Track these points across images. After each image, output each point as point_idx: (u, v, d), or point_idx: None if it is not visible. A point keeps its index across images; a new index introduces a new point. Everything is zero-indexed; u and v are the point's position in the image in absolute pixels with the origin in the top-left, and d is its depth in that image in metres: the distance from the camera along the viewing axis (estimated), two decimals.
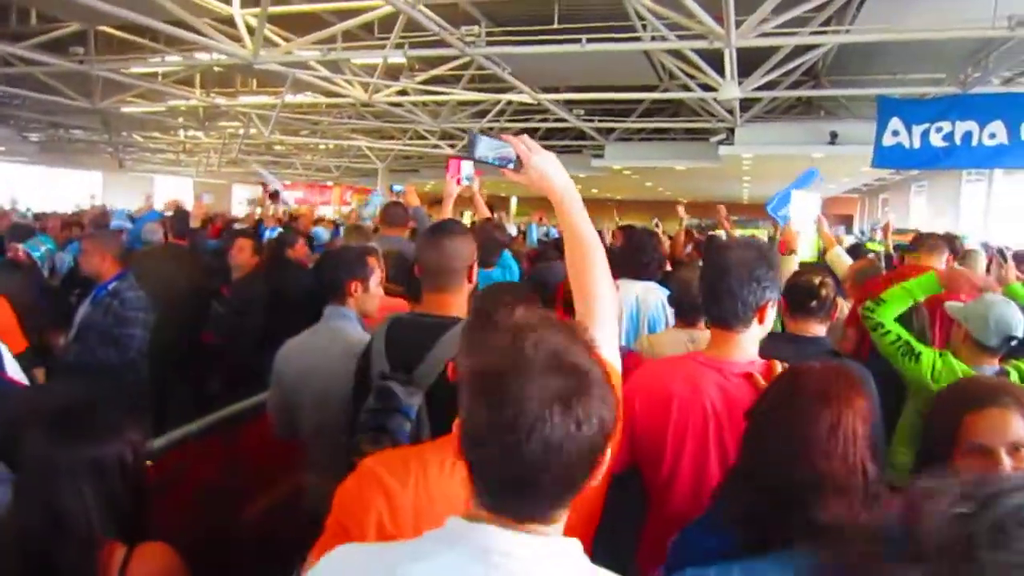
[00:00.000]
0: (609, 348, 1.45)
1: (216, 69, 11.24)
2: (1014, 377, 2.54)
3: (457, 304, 2.11)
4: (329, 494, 1.41)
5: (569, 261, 1.58)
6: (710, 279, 1.92)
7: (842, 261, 4.44)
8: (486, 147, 1.51)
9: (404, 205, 4.82)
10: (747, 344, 1.88)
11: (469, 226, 5.20)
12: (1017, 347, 2.63)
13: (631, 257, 3.81)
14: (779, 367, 1.82)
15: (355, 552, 1.07)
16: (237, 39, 7.36)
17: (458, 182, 3.89)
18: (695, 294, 2.69)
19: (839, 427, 1.31)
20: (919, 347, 2.71)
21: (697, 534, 1.48)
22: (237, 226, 8.58)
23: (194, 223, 7.02)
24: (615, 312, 1.59)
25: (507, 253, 4.37)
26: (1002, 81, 8.66)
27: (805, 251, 4.76)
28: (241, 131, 14.05)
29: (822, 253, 4.75)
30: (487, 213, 4.80)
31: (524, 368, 0.93)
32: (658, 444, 1.85)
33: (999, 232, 11.71)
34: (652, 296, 3.61)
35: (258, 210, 11.25)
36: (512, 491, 0.94)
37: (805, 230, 4.76)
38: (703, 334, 2.64)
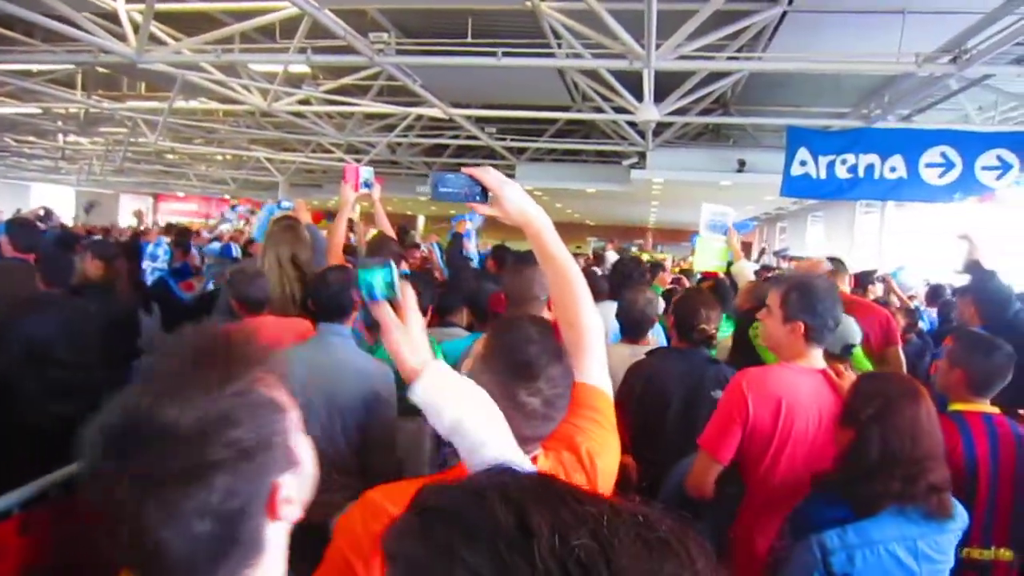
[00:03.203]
0: (599, 374, 1.57)
1: (99, 70, 10.38)
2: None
3: None
4: None
5: (554, 291, 1.60)
6: (831, 312, 2.32)
7: (746, 274, 4.44)
8: (451, 183, 1.48)
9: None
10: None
11: (368, 240, 4.81)
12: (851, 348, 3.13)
13: (621, 282, 4.38)
14: (837, 370, 2.39)
15: None
16: (121, 37, 6.74)
17: (355, 188, 3.66)
18: (639, 313, 3.32)
19: (929, 413, 1.90)
20: None
21: (813, 508, 1.91)
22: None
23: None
24: (602, 338, 1.60)
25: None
26: (899, 118, 8.97)
27: (713, 261, 4.74)
28: (126, 137, 13.01)
29: (729, 264, 4.72)
30: (388, 227, 4.32)
31: None
32: (766, 440, 2.23)
33: (892, 260, 12.20)
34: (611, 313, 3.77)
35: (133, 222, 10.35)
36: None
37: (715, 239, 4.72)
38: (644, 349, 3.22)
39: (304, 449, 0.96)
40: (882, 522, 1.79)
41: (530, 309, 2.28)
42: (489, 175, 1.46)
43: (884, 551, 1.78)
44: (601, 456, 1.47)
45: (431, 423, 1.24)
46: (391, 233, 4.26)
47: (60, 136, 15.70)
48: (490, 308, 3.69)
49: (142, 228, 9.98)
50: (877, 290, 6.77)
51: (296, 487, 0.92)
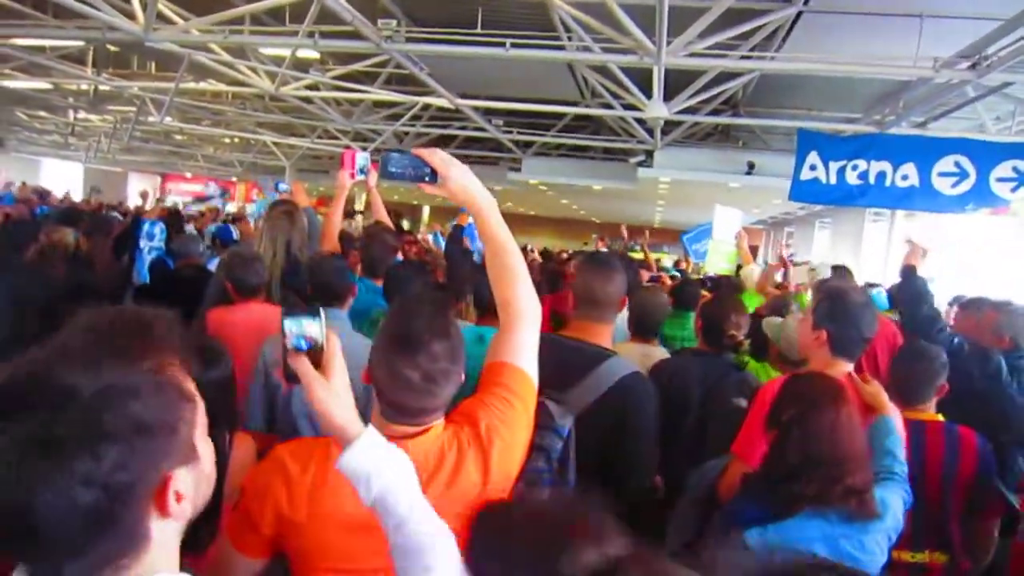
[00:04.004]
0: (527, 356, 1.62)
1: (110, 48, 10.35)
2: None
3: (606, 335, 2.37)
4: None
5: (491, 270, 1.66)
6: (857, 324, 2.34)
7: (754, 278, 4.44)
8: (398, 163, 1.52)
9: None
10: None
11: (362, 230, 4.73)
12: None
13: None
14: (865, 378, 2.38)
15: None
16: (130, 15, 6.71)
17: (352, 175, 3.62)
18: (653, 315, 3.35)
19: (850, 416, 1.89)
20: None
21: (739, 506, 1.97)
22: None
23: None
24: (535, 322, 1.65)
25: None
26: (913, 125, 8.84)
27: (723, 264, 4.67)
28: (134, 115, 12.96)
29: (738, 267, 4.65)
30: (384, 215, 4.21)
31: None
32: None
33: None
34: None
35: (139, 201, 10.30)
36: None
37: (726, 243, 4.65)
38: (655, 350, 3.31)
39: (206, 450, 0.93)
40: (802, 522, 1.81)
41: (605, 313, 2.35)
42: (436, 155, 1.51)
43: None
44: (500, 432, 1.51)
45: (357, 490, 1.19)
46: (387, 221, 4.16)
47: (71, 112, 15.67)
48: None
49: (145, 207, 9.91)
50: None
51: (191, 485, 0.88)
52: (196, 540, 1.92)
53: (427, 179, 1.53)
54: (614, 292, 2.35)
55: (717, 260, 4.70)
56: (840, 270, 4.69)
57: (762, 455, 2.19)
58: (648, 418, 2.29)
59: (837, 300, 2.38)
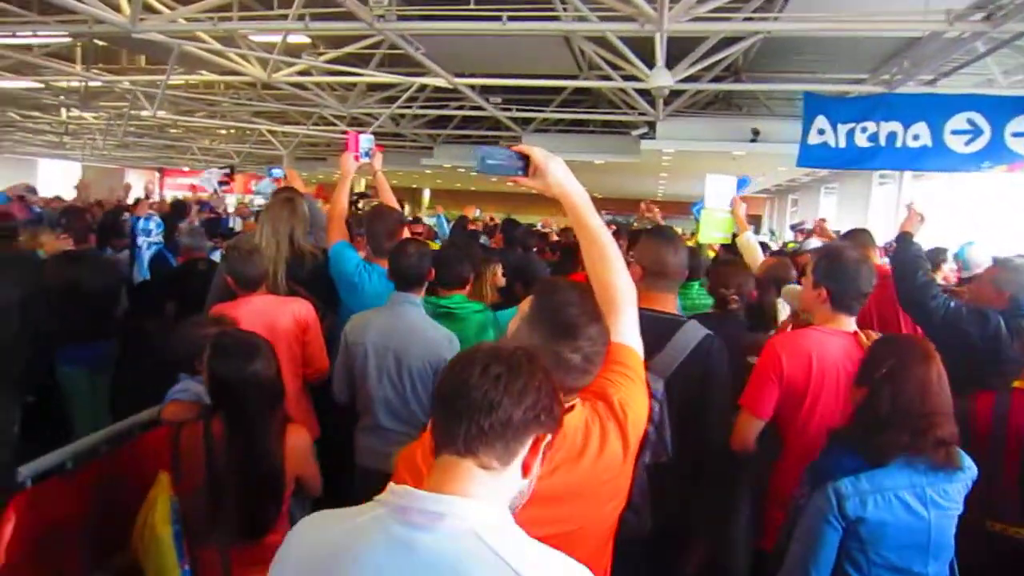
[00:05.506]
0: (632, 333, 1.74)
1: (98, 43, 10.17)
2: None
3: (673, 303, 2.61)
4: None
5: (587, 259, 1.79)
6: (854, 280, 2.50)
7: (751, 246, 4.26)
8: (494, 157, 1.67)
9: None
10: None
11: (368, 211, 4.61)
12: None
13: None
14: (868, 334, 2.51)
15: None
16: (115, 7, 6.58)
17: (356, 158, 3.65)
18: None
19: (939, 374, 2.02)
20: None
21: (830, 459, 2.06)
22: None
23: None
24: (634, 300, 1.78)
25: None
26: (921, 83, 8.61)
27: (716, 233, 4.54)
28: (127, 111, 12.78)
29: (734, 236, 4.52)
30: (391, 197, 4.04)
31: None
32: (800, 394, 2.46)
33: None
34: None
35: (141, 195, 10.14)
36: None
37: (720, 211, 4.50)
38: None
39: None
40: (892, 471, 1.95)
41: (676, 285, 2.61)
42: (536, 151, 1.69)
43: (894, 497, 1.94)
44: (631, 406, 1.62)
45: None
46: (394, 203, 4.00)
47: (63, 111, 15.49)
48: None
49: (128, 202, 9.70)
50: (945, 270, 6.24)
51: None
52: (253, 527, 2.22)
53: (520, 172, 1.68)
54: (681, 263, 2.56)
55: (710, 229, 4.55)
56: (862, 234, 4.53)
57: (771, 406, 2.48)
58: (727, 377, 2.47)
59: (834, 258, 2.56)
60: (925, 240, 4.02)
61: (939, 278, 5.72)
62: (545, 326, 1.53)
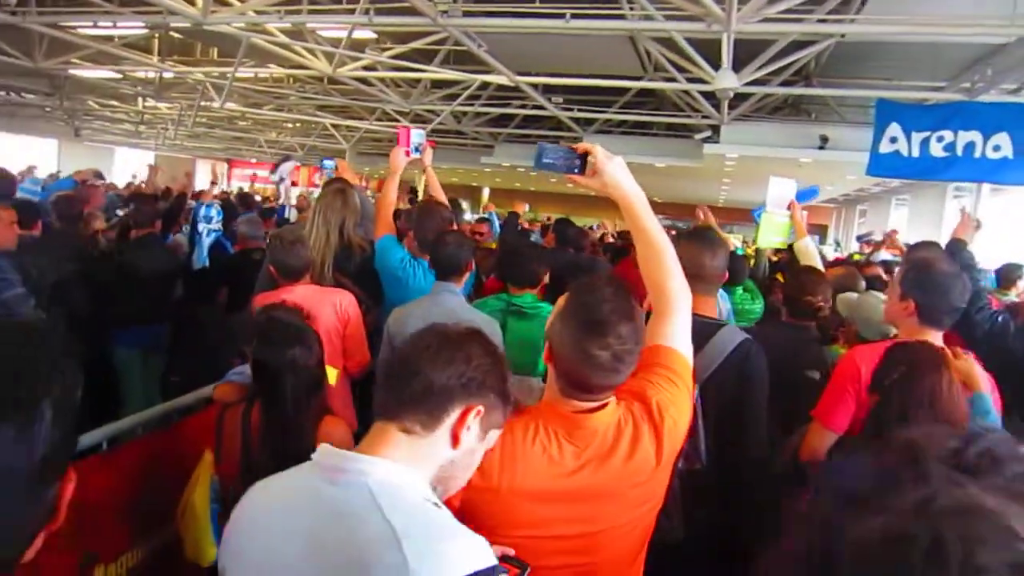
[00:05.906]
0: (682, 338, 1.73)
1: (175, 36, 10.50)
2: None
3: (712, 306, 2.54)
4: None
5: (642, 261, 1.79)
6: (946, 294, 2.38)
7: (809, 252, 4.13)
8: (552, 155, 1.68)
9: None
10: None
11: (417, 206, 4.61)
12: None
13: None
14: (956, 352, 2.32)
15: None
16: (189, 0, 6.82)
17: (407, 153, 3.63)
18: None
19: (951, 383, 1.96)
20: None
21: (840, 464, 1.71)
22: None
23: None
24: (687, 305, 1.77)
25: None
26: (1003, 92, 8.19)
27: (775, 238, 4.42)
28: (197, 102, 13.15)
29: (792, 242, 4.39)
30: (440, 193, 4.01)
31: None
32: None
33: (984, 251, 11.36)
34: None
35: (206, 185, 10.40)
36: None
37: (780, 214, 4.38)
38: None
39: None
40: None
41: (714, 288, 2.55)
42: (597, 150, 1.67)
43: None
44: (670, 410, 1.60)
45: None
46: (443, 199, 3.96)
47: (139, 100, 16.03)
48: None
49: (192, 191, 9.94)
50: (1022, 286, 6.00)
51: None
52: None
53: (576, 171, 1.67)
54: (719, 266, 2.51)
55: (769, 233, 4.42)
56: (931, 247, 4.34)
57: (846, 420, 2.35)
58: (765, 384, 2.41)
59: (924, 270, 2.46)
60: (1005, 256, 3.84)
61: (1013, 295, 5.44)
62: (575, 322, 1.53)
